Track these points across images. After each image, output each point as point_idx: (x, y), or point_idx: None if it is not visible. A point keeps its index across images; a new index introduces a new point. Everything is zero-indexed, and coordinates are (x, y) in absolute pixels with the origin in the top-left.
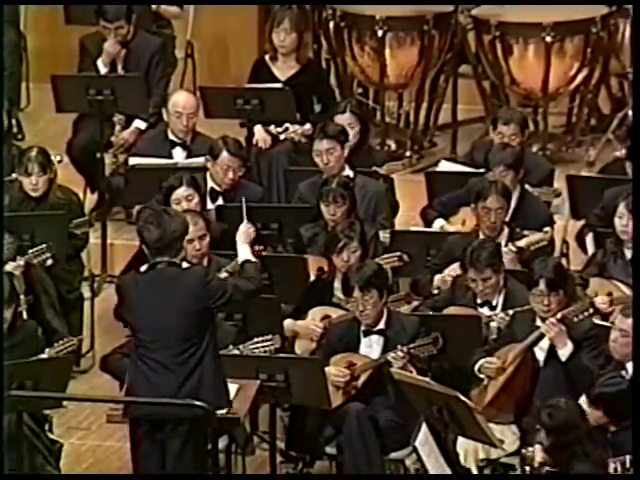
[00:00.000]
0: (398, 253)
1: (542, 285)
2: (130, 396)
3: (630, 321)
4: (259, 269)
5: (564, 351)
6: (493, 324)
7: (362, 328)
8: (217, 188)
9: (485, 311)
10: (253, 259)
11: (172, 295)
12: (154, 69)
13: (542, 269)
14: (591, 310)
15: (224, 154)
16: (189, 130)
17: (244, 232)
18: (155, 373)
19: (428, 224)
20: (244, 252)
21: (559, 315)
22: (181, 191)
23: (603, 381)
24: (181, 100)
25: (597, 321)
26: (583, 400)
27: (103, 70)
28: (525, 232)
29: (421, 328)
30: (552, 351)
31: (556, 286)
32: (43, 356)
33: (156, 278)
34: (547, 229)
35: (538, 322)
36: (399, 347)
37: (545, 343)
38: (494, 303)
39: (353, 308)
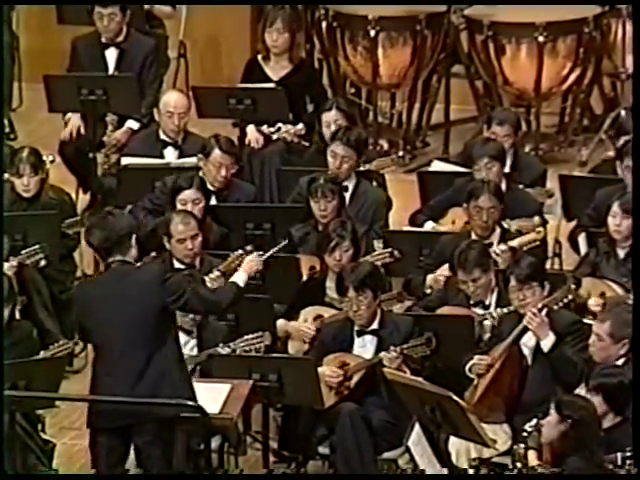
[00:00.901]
0: (389, 249)
1: (513, 281)
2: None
3: (606, 326)
4: (237, 296)
5: (546, 342)
6: (487, 322)
7: (356, 328)
8: (210, 187)
9: (478, 310)
10: (241, 285)
11: (128, 292)
12: (147, 70)
13: (513, 266)
14: (570, 296)
15: (216, 151)
16: (180, 130)
17: (253, 261)
18: (113, 375)
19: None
20: (240, 277)
21: (539, 305)
22: (190, 193)
23: (599, 370)
24: (172, 100)
25: (587, 320)
26: (581, 389)
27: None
28: (516, 221)
29: (415, 328)
30: (539, 348)
31: (528, 279)
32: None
33: (110, 277)
34: (540, 229)
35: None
36: (392, 348)
37: (532, 341)
38: (487, 302)
39: (347, 308)
